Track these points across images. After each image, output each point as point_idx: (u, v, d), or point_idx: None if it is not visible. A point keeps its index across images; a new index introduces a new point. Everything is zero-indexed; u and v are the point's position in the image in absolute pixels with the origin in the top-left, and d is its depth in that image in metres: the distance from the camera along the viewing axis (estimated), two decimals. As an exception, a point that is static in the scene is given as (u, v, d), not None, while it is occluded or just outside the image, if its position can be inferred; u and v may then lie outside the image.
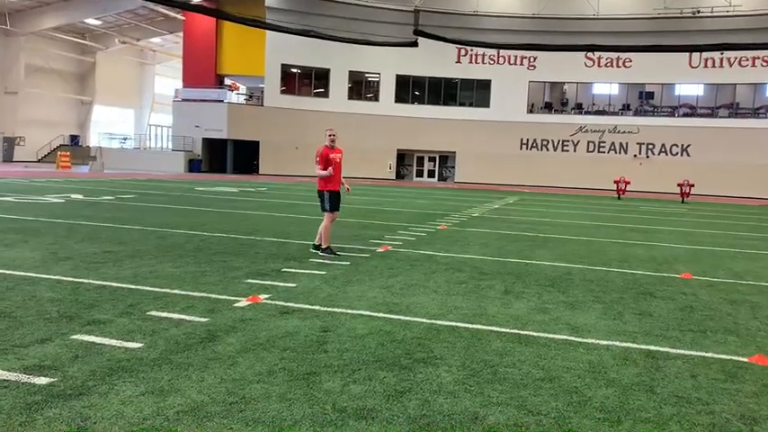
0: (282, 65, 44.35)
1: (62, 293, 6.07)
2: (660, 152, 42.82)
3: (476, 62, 44.41)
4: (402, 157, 46.60)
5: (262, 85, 45.69)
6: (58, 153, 41.04)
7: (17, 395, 3.59)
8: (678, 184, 31.54)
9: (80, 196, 18.12)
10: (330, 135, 9.05)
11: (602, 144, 43.65)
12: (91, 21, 50.72)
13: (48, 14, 47.86)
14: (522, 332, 5.45)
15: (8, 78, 49.65)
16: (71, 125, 56.42)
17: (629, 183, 32.91)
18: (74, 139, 55.24)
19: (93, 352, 4.41)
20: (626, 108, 44.33)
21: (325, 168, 8.96)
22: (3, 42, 48.97)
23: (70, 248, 8.76)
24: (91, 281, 6.70)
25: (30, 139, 50.94)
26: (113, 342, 4.63)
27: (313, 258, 8.74)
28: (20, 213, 12.85)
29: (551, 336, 5.38)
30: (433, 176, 46.79)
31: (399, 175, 46.31)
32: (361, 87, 46.53)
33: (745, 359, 4.97)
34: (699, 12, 38.87)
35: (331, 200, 9.13)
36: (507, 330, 5.48)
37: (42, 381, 3.82)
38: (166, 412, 3.45)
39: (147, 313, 5.47)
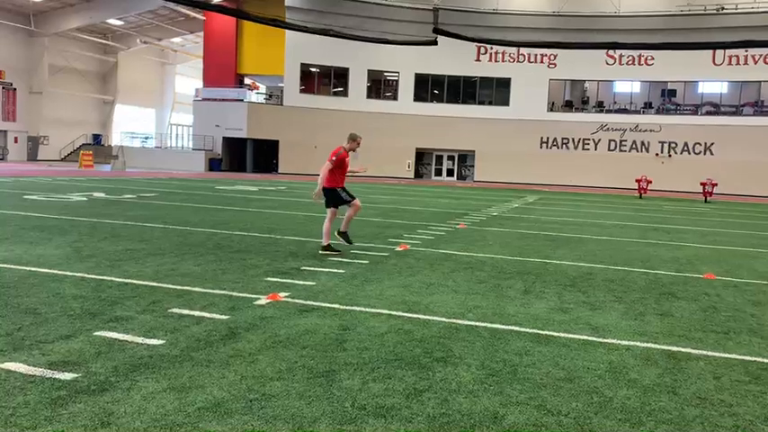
0: (302, 64, 44.56)
1: (85, 290, 6.16)
2: (683, 151, 42.26)
3: (495, 60, 44.16)
4: (421, 156, 46.52)
5: (281, 85, 45.95)
6: (81, 152, 41.59)
7: (42, 390, 3.65)
8: (701, 183, 31.12)
9: (103, 195, 18.35)
10: (358, 144, 8.99)
11: (623, 142, 43.19)
12: (113, 21, 51.38)
13: (71, 15, 48.57)
14: (541, 332, 5.42)
15: (32, 78, 50.48)
16: (93, 124, 57.20)
17: (650, 182, 32.48)
18: (96, 138, 56.00)
19: (116, 348, 4.47)
20: (648, 106, 43.80)
21: (336, 165, 8.80)
22: (27, 43, 49.79)
23: (93, 246, 8.88)
24: (113, 278, 6.78)
25: (53, 138, 51.78)
26: (136, 339, 4.70)
27: (332, 257, 8.77)
28: (44, 211, 13.05)
29: (572, 336, 5.35)
30: (452, 175, 46.64)
31: (418, 174, 46.25)
32: (381, 86, 46.53)
33: (769, 361, 4.90)
34: (723, 8, 38.24)
35: (335, 197, 9.03)
36: (527, 330, 5.46)
37: (66, 376, 3.89)
38: (188, 408, 3.49)
39: (169, 310, 5.53)
